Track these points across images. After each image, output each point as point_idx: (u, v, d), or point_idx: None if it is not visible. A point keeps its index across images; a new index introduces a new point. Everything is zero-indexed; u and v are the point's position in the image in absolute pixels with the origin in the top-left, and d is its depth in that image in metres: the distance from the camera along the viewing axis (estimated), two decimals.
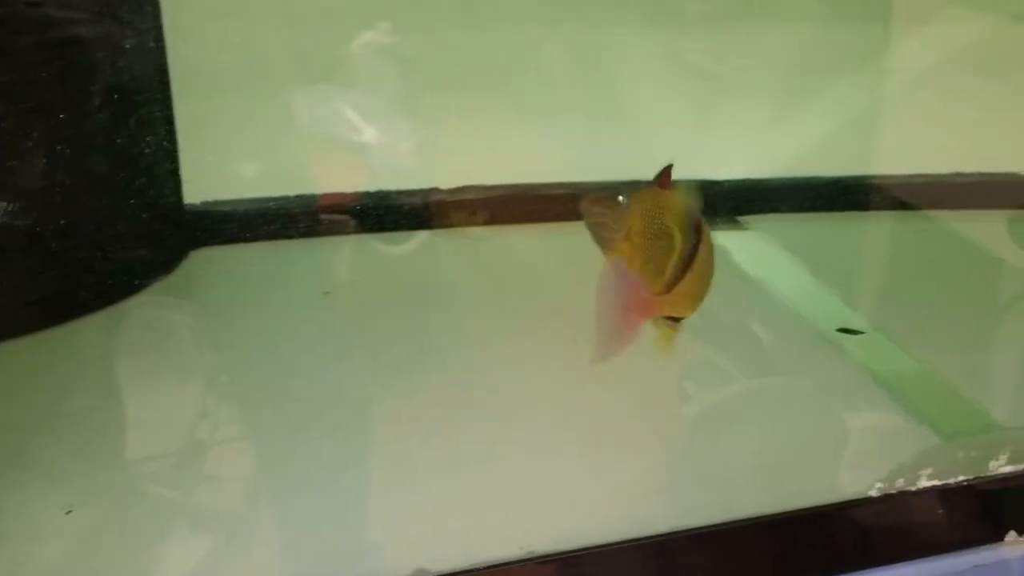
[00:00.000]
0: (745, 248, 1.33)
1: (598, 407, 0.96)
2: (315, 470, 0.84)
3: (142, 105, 1.14)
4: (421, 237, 1.32)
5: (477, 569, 0.72)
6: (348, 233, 1.30)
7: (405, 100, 1.29)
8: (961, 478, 0.83)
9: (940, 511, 0.83)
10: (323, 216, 1.29)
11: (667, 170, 0.94)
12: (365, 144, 1.30)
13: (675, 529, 0.77)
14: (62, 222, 1.06)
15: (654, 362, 1.01)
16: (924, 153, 1.47)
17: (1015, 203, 1.47)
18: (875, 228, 1.46)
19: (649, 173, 1.39)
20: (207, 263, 1.25)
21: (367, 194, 1.31)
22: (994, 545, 0.84)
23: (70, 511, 0.77)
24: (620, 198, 0.93)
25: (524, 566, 0.74)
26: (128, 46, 1.12)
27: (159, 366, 1.00)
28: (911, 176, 1.47)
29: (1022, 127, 1.48)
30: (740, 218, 1.42)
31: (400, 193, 1.32)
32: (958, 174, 1.48)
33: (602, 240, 0.94)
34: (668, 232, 0.91)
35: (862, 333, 1.12)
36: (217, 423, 0.92)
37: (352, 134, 1.30)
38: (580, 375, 1.01)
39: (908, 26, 1.40)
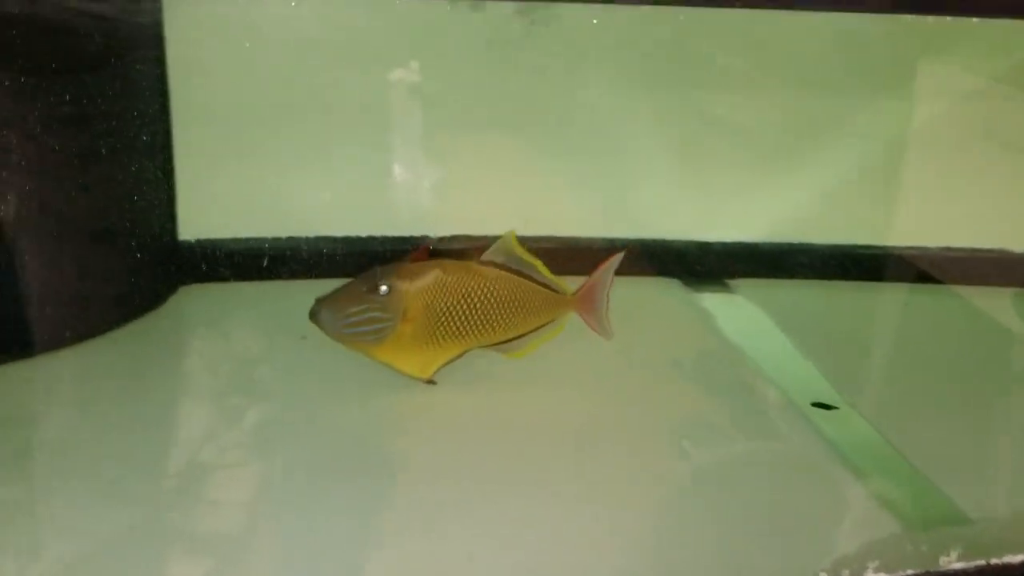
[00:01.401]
0: (727, 312, 1.33)
1: (594, 462, 0.96)
2: (275, 514, 0.85)
3: (144, 137, 1.18)
4: None
5: None
6: (337, 276, 1.32)
7: (419, 141, 1.32)
8: (909, 571, 0.82)
9: None
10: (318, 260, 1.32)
11: (425, 247, 1.11)
12: (366, 185, 1.33)
13: None
14: (56, 247, 1.10)
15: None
16: (915, 226, 1.46)
17: (1004, 280, 1.45)
18: (861, 299, 1.45)
19: (633, 232, 1.41)
20: (196, 299, 1.27)
21: (354, 239, 1.33)
22: None
23: None
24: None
25: None
26: (134, 75, 1.16)
27: (134, 397, 1.02)
28: (902, 248, 1.46)
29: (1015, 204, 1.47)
30: (729, 281, 1.42)
31: (388, 239, 1.34)
32: (948, 248, 1.47)
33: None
34: (468, 292, 1.03)
35: (835, 408, 1.11)
36: (179, 455, 0.93)
37: (355, 175, 1.33)
38: (574, 425, 1.03)
39: (928, 99, 1.40)
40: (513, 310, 1.06)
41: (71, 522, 0.82)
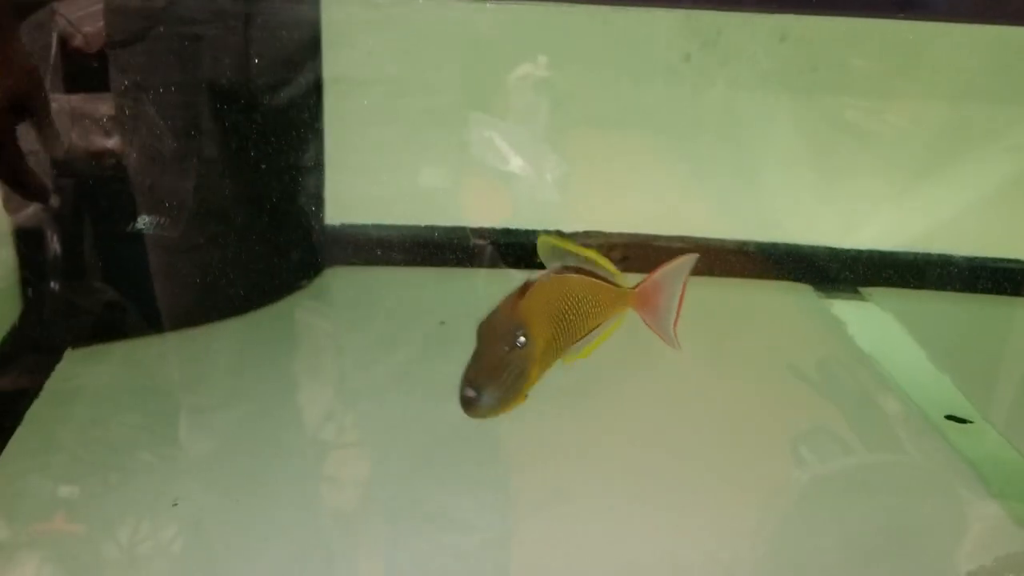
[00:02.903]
0: (861, 320, 1.31)
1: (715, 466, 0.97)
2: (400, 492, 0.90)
3: (300, 124, 1.24)
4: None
5: None
6: (472, 266, 1.36)
7: (552, 137, 1.34)
8: None
9: None
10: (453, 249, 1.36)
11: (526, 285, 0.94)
12: (507, 178, 1.36)
13: None
14: (217, 227, 1.17)
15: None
16: None
17: None
18: (1000, 313, 1.40)
19: (766, 235, 1.40)
20: (339, 280, 1.33)
21: (489, 230, 1.37)
22: None
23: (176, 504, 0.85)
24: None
25: None
26: (294, 64, 1.22)
27: (281, 371, 1.09)
28: None
29: None
30: (862, 289, 1.40)
31: (522, 232, 1.37)
32: None
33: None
34: (565, 311, 0.87)
35: (970, 423, 1.09)
36: (331, 428, 0.99)
37: (496, 168, 1.36)
38: (696, 427, 1.04)
39: None
40: (589, 314, 0.93)
41: (217, 482, 0.90)
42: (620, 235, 1.38)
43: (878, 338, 1.27)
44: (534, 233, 1.37)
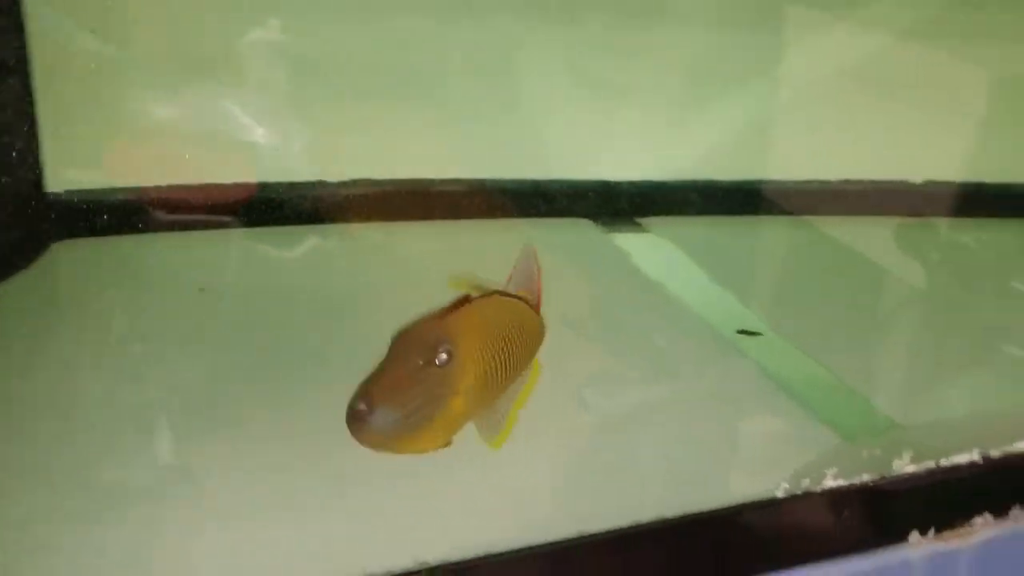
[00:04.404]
0: (643, 250, 1.31)
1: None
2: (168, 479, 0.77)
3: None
4: (304, 232, 1.25)
5: None
6: (226, 227, 1.22)
7: (288, 95, 1.23)
8: (866, 477, 0.81)
9: (844, 512, 0.80)
10: (202, 210, 1.21)
11: (466, 297, 0.79)
12: (245, 138, 1.23)
13: (571, 536, 0.72)
14: None
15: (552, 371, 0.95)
16: (816, 160, 1.48)
17: (903, 210, 1.49)
18: (768, 232, 1.46)
19: (546, 173, 1.37)
20: (68, 256, 1.14)
21: (243, 185, 1.24)
22: (897, 546, 0.81)
23: None
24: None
25: None
26: None
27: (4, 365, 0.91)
28: (804, 182, 1.48)
29: (911, 138, 1.50)
30: (639, 220, 1.40)
31: (281, 186, 1.25)
32: (848, 181, 1.50)
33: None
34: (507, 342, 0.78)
35: (760, 335, 1.10)
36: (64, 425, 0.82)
37: (232, 127, 1.22)
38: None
39: (803, 38, 1.41)
40: (525, 345, 0.81)
41: None
42: (392, 182, 1.28)
43: (661, 265, 1.27)
44: (292, 186, 1.26)
